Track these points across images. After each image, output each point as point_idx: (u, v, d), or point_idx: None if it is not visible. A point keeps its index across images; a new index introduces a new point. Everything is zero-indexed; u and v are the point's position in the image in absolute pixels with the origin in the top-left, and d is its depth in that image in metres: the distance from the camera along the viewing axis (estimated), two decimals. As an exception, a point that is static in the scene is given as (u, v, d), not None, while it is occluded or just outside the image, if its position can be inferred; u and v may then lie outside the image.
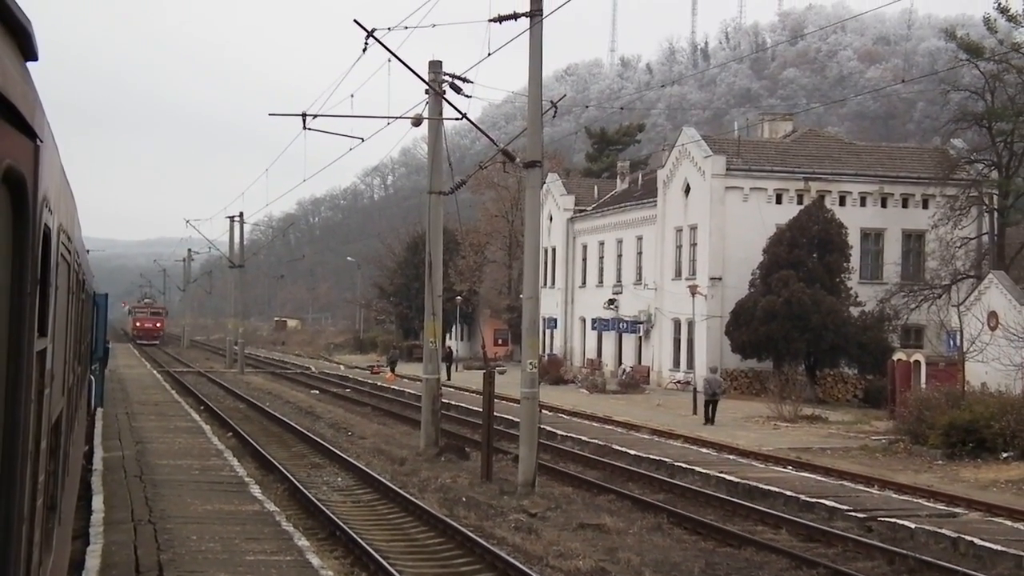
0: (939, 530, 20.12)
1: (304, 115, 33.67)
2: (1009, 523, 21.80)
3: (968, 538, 19.41)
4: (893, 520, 21.15)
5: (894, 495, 25.23)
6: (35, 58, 2.97)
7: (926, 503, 23.92)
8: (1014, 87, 53.82)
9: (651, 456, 30.38)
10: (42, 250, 3.35)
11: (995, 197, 55.16)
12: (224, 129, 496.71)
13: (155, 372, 63.66)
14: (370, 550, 17.30)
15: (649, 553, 18.76)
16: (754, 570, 17.97)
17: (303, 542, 16.88)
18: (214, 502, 20.24)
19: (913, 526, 20.57)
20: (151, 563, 15.25)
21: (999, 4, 55.18)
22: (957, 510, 23.16)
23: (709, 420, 41.80)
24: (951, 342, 46.46)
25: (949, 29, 65.40)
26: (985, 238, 56.16)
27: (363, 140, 37.40)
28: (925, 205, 59.39)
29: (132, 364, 71.32)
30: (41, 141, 3.09)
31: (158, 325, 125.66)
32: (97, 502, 19.74)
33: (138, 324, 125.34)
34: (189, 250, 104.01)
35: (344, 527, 19.19)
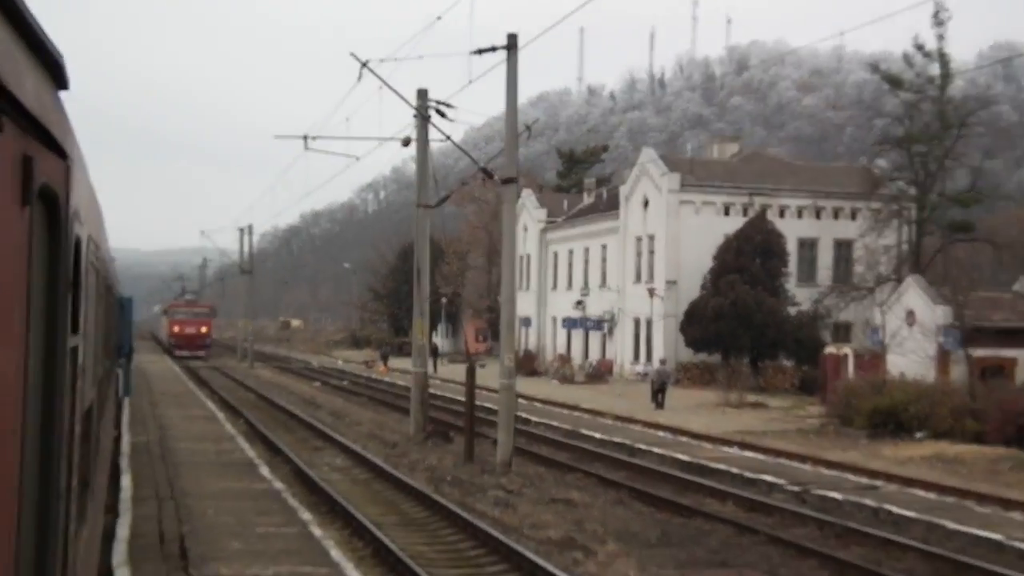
0: (863, 500, 20.24)
1: (305, 137, 33.75)
2: (922, 493, 21.94)
3: (887, 507, 19.55)
4: (823, 492, 21.24)
5: (824, 470, 25.32)
6: (66, 87, 2.99)
7: (852, 477, 24.05)
8: (929, 114, 54.28)
9: (614, 439, 30.45)
10: (73, 258, 3.37)
11: (913, 210, 55.57)
12: (234, 151, 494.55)
13: (174, 367, 63.30)
14: (366, 522, 17.29)
15: (612, 524, 18.80)
16: (703, 537, 17.99)
17: (307, 516, 16.89)
18: (228, 480, 20.22)
19: (840, 497, 20.69)
20: (174, 534, 15.24)
21: (916, 42, 55.70)
22: (878, 483, 23.23)
23: (659, 405, 41.98)
24: (874, 337, 46.72)
25: (874, 63, 65.81)
26: (904, 246, 56.47)
27: (358, 159, 37.46)
28: (853, 217, 59.70)
29: (154, 359, 70.86)
30: (72, 161, 3.11)
31: (203, 330, 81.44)
32: (125, 480, 19.70)
33: (177, 330, 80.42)
34: (204, 258, 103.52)
35: (343, 503, 19.17)
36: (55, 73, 2.76)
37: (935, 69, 55.27)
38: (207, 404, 37.85)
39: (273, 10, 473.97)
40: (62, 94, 3.03)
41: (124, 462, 21.94)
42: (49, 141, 2.61)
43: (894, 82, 57.00)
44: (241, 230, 77.32)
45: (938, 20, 54.31)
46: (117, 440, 23.85)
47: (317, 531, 15.63)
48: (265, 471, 21.65)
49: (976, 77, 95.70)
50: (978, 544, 17.01)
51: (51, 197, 2.72)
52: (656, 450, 27.92)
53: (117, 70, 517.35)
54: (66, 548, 3.51)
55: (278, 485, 19.85)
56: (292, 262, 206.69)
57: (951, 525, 17.94)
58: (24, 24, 2.27)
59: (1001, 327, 42.30)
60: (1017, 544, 16.55)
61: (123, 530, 15.31)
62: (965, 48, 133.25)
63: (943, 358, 42.08)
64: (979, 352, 39.20)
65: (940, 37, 54.87)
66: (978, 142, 58.77)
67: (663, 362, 49.41)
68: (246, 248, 76.75)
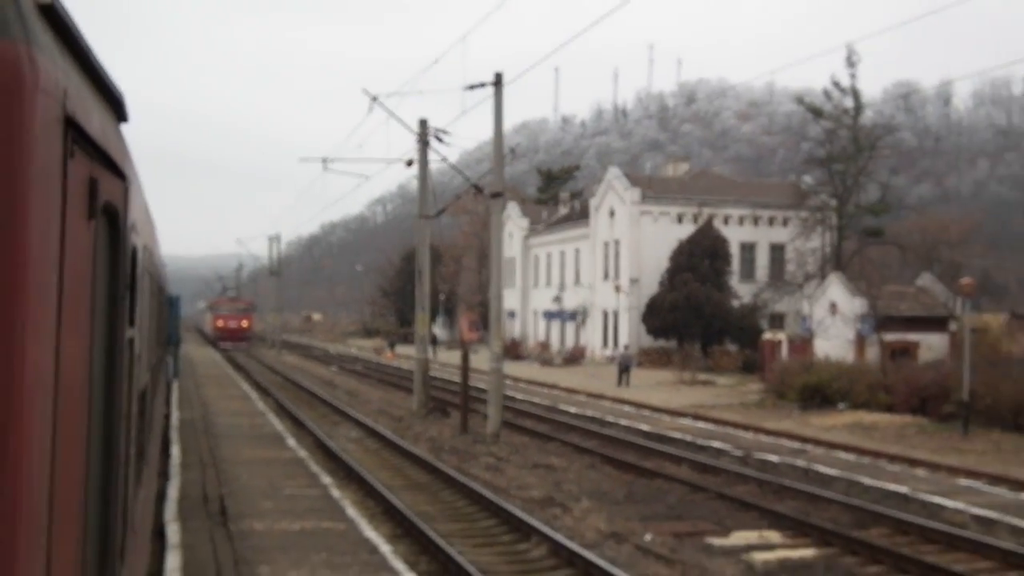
0: (795, 462, 20.27)
1: (324, 159, 33.67)
2: (844, 455, 22.00)
3: (815, 467, 19.61)
4: (762, 456, 21.30)
5: (763, 437, 25.36)
6: (126, 120, 2.99)
7: (786, 443, 24.08)
8: (845, 139, 54.60)
9: (586, 413, 30.41)
10: (131, 263, 3.37)
11: (834, 218, 55.77)
12: (264, 171, 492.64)
13: (215, 355, 63.06)
14: (377, 485, 17.26)
15: (585, 484, 18.83)
16: (662, 495, 18.02)
17: (327, 480, 16.84)
18: (259, 450, 20.15)
19: (776, 459, 20.73)
20: (215, 494, 15.19)
21: (833, 80, 56.10)
22: (807, 447, 23.31)
23: (623, 383, 42.05)
24: (804, 325, 46.84)
25: (799, 97, 65.87)
26: (827, 248, 56.64)
27: (368, 178, 37.61)
28: (785, 224, 59.83)
29: (196, 349, 70.53)
30: (129, 182, 3.11)
31: (244, 324, 77.69)
32: (175, 451, 19.61)
33: (220, 324, 77.16)
34: (240, 263, 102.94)
35: (357, 468, 19.15)
36: (117, 109, 2.76)
37: (849, 102, 55.56)
38: (242, 386, 37.69)
39: (298, 51, 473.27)
40: (122, 126, 3.03)
41: (173, 435, 21.85)
42: (111, 165, 2.61)
43: (816, 112, 57.24)
44: (270, 238, 77.19)
45: (851, 62, 54.67)
46: (167, 416, 23.76)
47: (336, 492, 15.59)
48: (291, 442, 21.59)
49: (882, 109, 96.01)
50: (889, 496, 17.10)
51: (112, 212, 2.72)
52: (622, 422, 27.91)
53: (164, 105, 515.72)
54: (126, 506, 3.51)
55: (302, 454, 19.80)
56: (313, 265, 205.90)
57: (867, 481, 18.02)
58: (92, 67, 2.28)
59: (907, 315, 42.49)
60: (920, 496, 16.63)
61: (173, 492, 15.27)
62: (872, 85, 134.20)
63: (860, 342, 42.24)
64: (889, 336, 39.39)
65: (852, 76, 55.23)
66: (885, 162, 59.00)
67: (626, 347, 49.58)
68: (275, 253, 76.54)
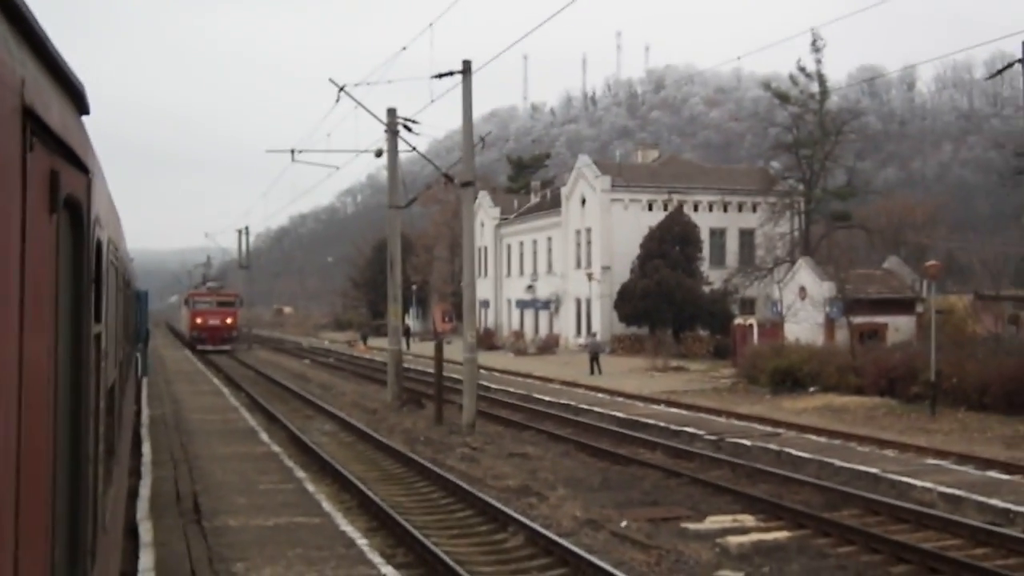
0: (767, 445, 20.39)
1: (293, 151, 33.36)
2: (815, 438, 22.20)
3: (787, 450, 19.74)
4: (735, 440, 21.38)
5: (736, 422, 25.48)
6: (87, 112, 2.94)
7: (758, 426, 24.19)
8: (812, 124, 55.06)
9: (561, 401, 30.39)
10: (95, 257, 3.31)
11: (802, 203, 56.23)
12: (232, 164, 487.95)
13: (185, 351, 62.54)
14: (352, 478, 17.21)
15: (561, 472, 18.86)
16: (637, 481, 18.08)
17: (301, 474, 16.77)
18: (232, 445, 20.02)
19: (749, 443, 20.84)
20: (188, 492, 15.08)
21: (800, 65, 56.50)
22: (779, 430, 23.44)
23: (594, 371, 42.17)
24: (774, 309, 47.21)
25: (766, 83, 66.37)
26: (796, 233, 57.09)
27: (338, 168, 37.25)
28: (754, 210, 60.20)
29: (166, 344, 69.88)
30: (92, 174, 3.06)
31: (229, 321, 62.81)
32: (146, 448, 19.46)
33: (199, 321, 61.67)
34: (208, 256, 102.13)
35: (331, 462, 19.06)
36: (78, 101, 2.72)
37: (815, 87, 56.09)
38: (213, 381, 37.44)
39: (265, 42, 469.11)
40: (84, 118, 2.98)
41: (144, 432, 21.68)
42: (72, 158, 2.56)
43: (783, 98, 57.67)
44: (239, 231, 76.38)
45: (816, 47, 55.17)
46: (138, 413, 23.55)
47: (310, 487, 15.52)
48: (264, 437, 21.47)
49: (847, 93, 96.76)
50: (859, 477, 17.26)
51: (75, 206, 2.68)
52: (596, 409, 27.92)
53: (130, 98, 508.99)
54: (95, 505, 3.47)
55: (276, 448, 19.69)
56: (283, 257, 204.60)
57: (838, 463, 18.17)
58: (52, 60, 2.23)
59: (874, 298, 42.93)
60: (890, 476, 16.81)
61: (145, 490, 15.13)
62: (838, 70, 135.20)
63: (829, 325, 42.65)
64: (858, 319, 39.72)
65: (818, 61, 55.86)
66: (851, 147, 59.63)
67: (594, 335, 49.78)
68: (244, 246, 76.03)
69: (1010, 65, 24.25)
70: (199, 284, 72.02)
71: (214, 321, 61.91)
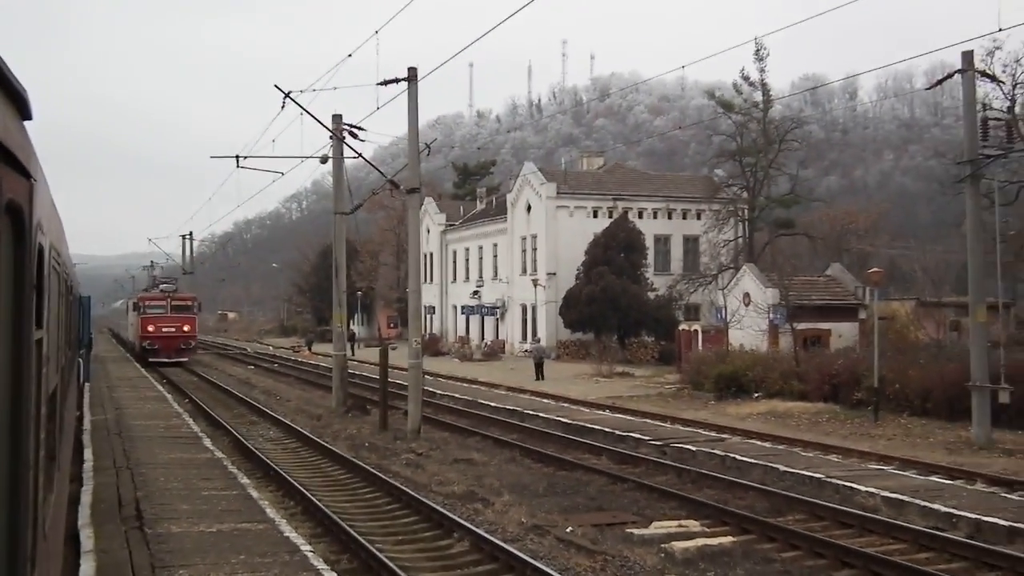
0: (712, 451, 20.57)
1: (237, 156, 32.93)
2: (759, 443, 22.46)
3: (732, 455, 19.93)
4: (680, 445, 21.52)
5: (681, 427, 25.65)
6: (30, 118, 2.90)
7: (703, 432, 24.38)
8: (755, 132, 55.79)
9: (506, 407, 30.38)
10: (37, 263, 3.26)
11: (745, 211, 56.93)
12: (176, 167, 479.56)
13: (128, 356, 61.35)
14: (296, 484, 17.07)
15: (507, 478, 18.86)
16: (583, 486, 18.15)
17: (245, 480, 16.57)
18: (176, 452, 19.72)
19: (694, 448, 20.98)
20: (130, 498, 14.84)
21: (743, 74, 57.24)
22: (724, 436, 23.66)
23: (539, 377, 42.27)
24: (718, 315, 47.67)
25: (710, 91, 67.24)
26: (740, 240, 57.78)
27: (283, 174, 36.82)
28: (698, 217, 60.79)
29: (111, 353, 68.51)
30: (35, 180, 3.01)
31: (187, 329, 53.64)
32: (87, 454, 19.10)
33: (151, 329, 52.33)
34: (152, 261, 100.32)
35: (276, 468, 18.89)
36: (20, 106, 2.68)
37: (758, 96, 56.88)
38: (157, 387, 36.81)
39: (210, 46, 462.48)
40: (27, 124, 2.94)
41: (86, 438, 21.25)
42: (14, 163, 2.52)
43: (726, 107, 58.41)
44: (183, 237, 75.48)
45: (759, 57, 55.92)
46: (79, 419, 23.10)
47: (254, 493, 15.35)
48: (208, 443, 21.17)
49: (790, 102, 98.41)
50: (804, 482, 17.48)
51: (16, 211, 2.64)
52: (542, 415, 27.94)
53: (80, 89, 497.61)
54: (35, 512, 3.41)
55: (220, 455, 19.43)
56: (228, 263, 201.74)
57: (782, 468, 18.38)
58: None
59: (818, 304, 43.57)
60: (834, 481, 17.06)
61: (86, 496, 14.87)
62: (781, 79, 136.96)
63: (773, 331, 43.16)
64: (801, 325, 40.25)
65: (761, 70, 56.53)
66: (794, 155, 60.49)
67: (538, 341, 49.95)
68: (188, 252, 75.01)
69: (950, 75, 24.75)
70: (149, 286, 60.40)
71: (168, 329, 52.07)
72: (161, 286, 55.72)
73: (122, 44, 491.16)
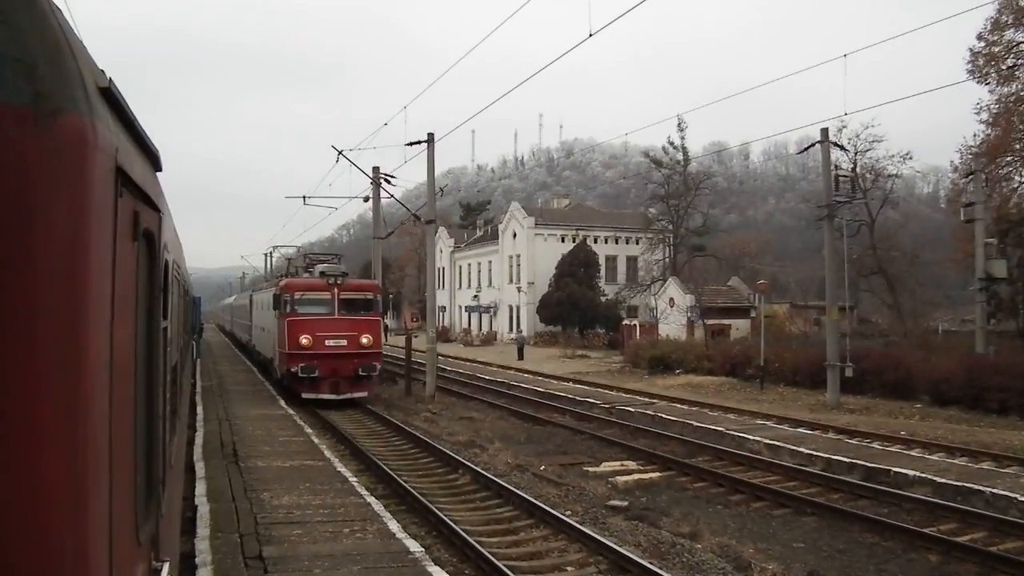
0: (646, 411, 20.56)
1: (304, 196, 32.94)
2: (679, 406, 22.46)
3: (660, 415, 19.93)
4: (623, 407, 21.51)
5: (623, 394, 25.57)
6: (160, 170, 2.96)
7: (639, 398, 24.37)
8: (677, 182, 56.03)
9: (497, 379, 30.38)
10: (164, 273, 3.32)
11: (671, 239, 57.10)
12: (259, 204, 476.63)
13: (227, 341, 60.80)
14: (344, 434, 17.08)
15: (497, 431, 18.89)
16: (552, 437, 18.17)
17: (309, 430, 16.56)
18: (260, 408, 19.67)
19: (633, 410, 20.98)
20: (229, 441, 14.90)
21: (669, 140, 57.51)
22: (654, 401, 23.66)
23: (521, 358, 42.22)
24: (651, 314, 47.87)
25: (646, 152, 67.35)
26: (667, 260, 57.97)
27: (336, 209, 36.92)
28: (637, 243, 60.86)
29: (217, 342, 67.14)
30: (162, 214, 3.07)
31: (365, 341, 19.59)
32: (200, 410, 19.08)
33: (305, 342, 18.83)
34: (244, 272, 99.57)
35: (329, 421, 18.88)
36: (153, 161, 2.74)
37: (680, 156, 57.09)
38: (246, 363, 36.65)
39: (290, 116, 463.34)
40: (158, 174, 3.00)
41: (198, 399, 21.24)
42: (148, 201, 2.59)
43: (657, 163, 58.50)
44: (266, 253, 75.21)
45: (680, 128, 56.14)
46: (193, 386, 23.04)
47: (316, 439, 15.36)
48: (282, 403, 21.11)
49: (703, 160, 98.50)
50: (709, 433, 17.59)
51: (149, 236, 2.70)
52: (523, 385, 27.94)
53: (192, 153, 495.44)
54: (165, 449, 3.47)
55: (291, 411, 19.41)
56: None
57: (695, 423, 18.44)
58: (136, 131, 2.27)
59: (722, 306, 43.85)
60: (732, 432, 17.18)
61: (199, 439, 14.94)
62: (696, 143, 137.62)
63: (690, 325, 43.39)
64: (710, 321, 40.51)
65: (682, 137, 56.68)
66: (705, 198, 60.64)
67: (521, 331, 49.87)
68: (270, 265, 74.64)
69: (812, 145, 25.27)
70: (297, 267, 26.50)
71: (337, 341, 20.98)
72: (320, 267, 22.44)
73: (230, 116, 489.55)
